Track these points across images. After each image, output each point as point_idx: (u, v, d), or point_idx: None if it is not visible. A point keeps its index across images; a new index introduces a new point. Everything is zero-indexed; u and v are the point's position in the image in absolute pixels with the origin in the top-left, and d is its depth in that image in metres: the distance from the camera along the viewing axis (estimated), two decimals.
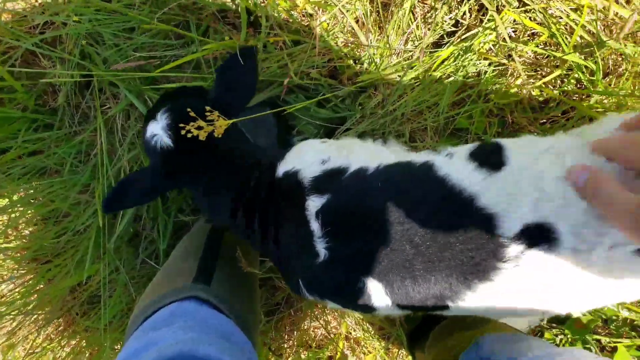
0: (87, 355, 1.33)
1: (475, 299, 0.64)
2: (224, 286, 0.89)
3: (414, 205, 0.66)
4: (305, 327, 1.27)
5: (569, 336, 1.20)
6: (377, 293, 0.69)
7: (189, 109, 0.77)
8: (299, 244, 0.74)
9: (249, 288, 1.01)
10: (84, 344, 1.33)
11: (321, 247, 0.70)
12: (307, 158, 0.80)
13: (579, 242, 0.57)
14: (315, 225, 0.71)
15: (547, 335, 1.23)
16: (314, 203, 0.72)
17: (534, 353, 0.68)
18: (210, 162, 0.87)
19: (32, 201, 1.17)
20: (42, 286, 1.28)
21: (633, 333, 1.20)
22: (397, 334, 1.27)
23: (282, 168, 0.81)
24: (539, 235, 0.58)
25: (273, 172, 0.82)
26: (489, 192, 0.62)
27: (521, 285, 0.62)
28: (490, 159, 0.65)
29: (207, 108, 0.78)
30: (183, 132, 0.76)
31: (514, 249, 0.59)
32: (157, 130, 0.86)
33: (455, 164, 0.67)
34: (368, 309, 0.72)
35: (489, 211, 0.60)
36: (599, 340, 1.21)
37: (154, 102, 0.95)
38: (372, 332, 1.27)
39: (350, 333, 1.28)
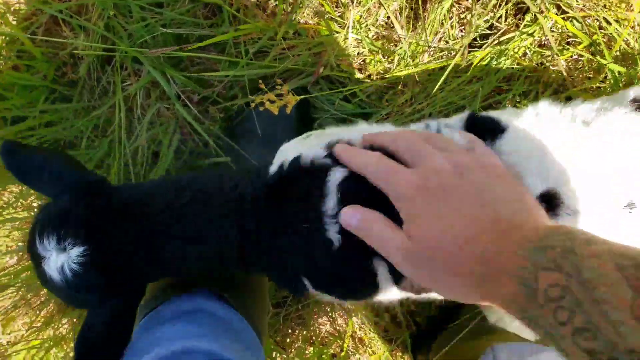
0: None
1: None
2: (233, 278, 0.86)
3: None
4: (312, 322, 1.25)
5: None
6: (383, 274, 0.65)
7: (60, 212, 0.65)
8: (306, 237, 0.66)
9: (257, 280, 0.99)
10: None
11: (334, 232, 0.63)
12: (299, 148, 0.71)
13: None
14: (331, 202, 0.63)
15: None
16: (335, 175, 0.65)
17: None
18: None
19: None
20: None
21: None
22: (402, 337, 1.25)
23: (274, 167, 0.71)
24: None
25: (264, 177, 0.70)
26: None
27: None
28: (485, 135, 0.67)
29: (279, 81, 0.71)
30: (252, 105, 0.70)
31: None
32: (57, 262, 0.64)
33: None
34: (370, 293, 0.69)
35: None
36: None
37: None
38: (378, 333, 1.25)
39: (356, 332, 1.26)
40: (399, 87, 1.11)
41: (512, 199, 0.54)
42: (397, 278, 0.66)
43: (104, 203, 0.67)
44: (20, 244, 1.22)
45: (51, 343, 1.26)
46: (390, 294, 0.70)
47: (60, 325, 1.31)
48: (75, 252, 0.63)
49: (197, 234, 0.68)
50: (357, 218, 0.59)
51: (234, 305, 0.79)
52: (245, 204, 0.68)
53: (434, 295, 0.69)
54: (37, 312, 1.28)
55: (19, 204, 1.19)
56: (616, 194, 0.65)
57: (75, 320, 1.30)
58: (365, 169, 0.60)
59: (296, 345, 1.26)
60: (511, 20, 1.10)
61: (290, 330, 1.26)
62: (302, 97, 0.99)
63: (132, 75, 1.13)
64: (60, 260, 0.64)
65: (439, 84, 1.01)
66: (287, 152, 0.72)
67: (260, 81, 1.00)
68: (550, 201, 0.63)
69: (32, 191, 1.18)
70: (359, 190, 0.64)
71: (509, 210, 0.52)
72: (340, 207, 0.63)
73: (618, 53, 1.06)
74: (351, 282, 0.69)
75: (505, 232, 0.50)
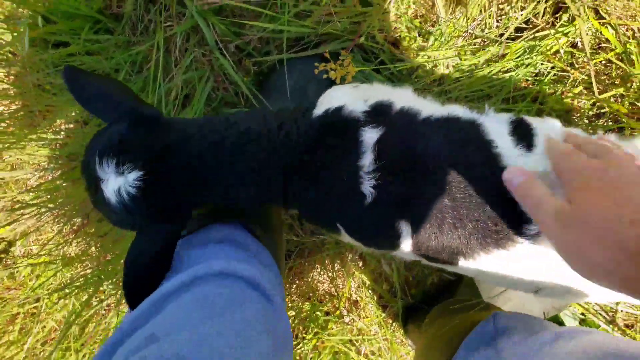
0: (95, 259, 1.37)
1: (485, 261, 0.69)
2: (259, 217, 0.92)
3: (460, 162, 0.68)
4: (311, 279, 1.31)
5: None
6: (406, 235, 0.71)
7: (119, 138, 0.70)
8: (344, 184, 0.72)
9: (278, 222, 1.04)
10: (94, 249, 1.37)
11: (368, 186, 0.69)
12: (345, 99, 0.76)
13: None
14: (367, 159, 0.69)
15: None
16: (370, 134, 0.70)
17: (555, 330, 0.71)
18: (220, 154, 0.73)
19: None
20: (65, 184, 1.31)
21: None
22: (395, 306, 1.31)
23: (319, 111, 0.76)
24: None
25: (309, 119, 0.76)
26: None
27: (531, 261, 0.67)
28: (527, 137, 0.69)
29: (343, 52, 0.75)
30: (317, 71, 0.74)
31: (534, 227, 0.64)
32: (115, 184, 0.69)
33: (499, 131, 0.71)
34: (392, 249, 0.75)
35: None
36: None
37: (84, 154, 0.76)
38: (373, 299, 1.31)
39: (352, 295, 1.32)
40: (431, 66, 1.14)
41: None
42: (417, 244, 0.71)
43: (159, 135, 0.72)
44: (45, 164, 1.27)
45: (61, 263, 1.32)
46: (406, 254, 0.75)
47: (70, 247, 1.38)
48: (133, 176, 0.69)
49: (245, 169, 0.73)
50: (520, 179, 0.62)
51: (261, 240, 0.85)
52: (290, 142, 0.73)
53: (450, 268, 0.74)
54: (50, 232, 1.34)
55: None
56: None
57: (85, 244, 1.36)
58: (551, 154, 0.65)
59: (293, 298, 1.32)
60: (548, 17, 1.13)
61: (289, 283, 1.32)
62: (362, 68, 1.02)
63: (175, 18, 1.16)
64: (118, 183, 0.69)
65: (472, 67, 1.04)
66: (334, 99, 0.77)
67: (293, 46, 1.03)
68: None
69: (64, 116, 1.23)
70: (393, 152, 0.69)
71: None
72: (376, 166, 0.68)
73: None
74: (375, 236, 0.76)
75: None
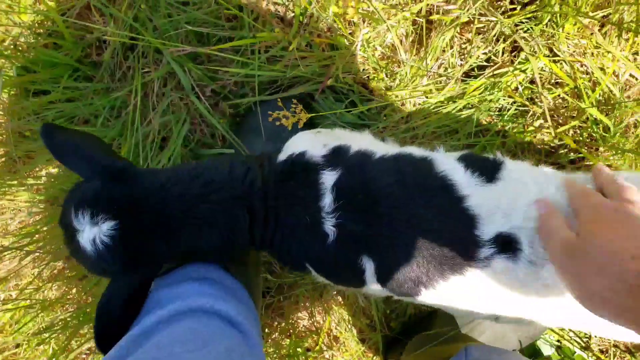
0: (75, 302, 1.37)
1: (445, 289, 0.72)
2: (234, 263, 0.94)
3: (414, 193, 0.73)
4: (291, 316, 1.32)
5: None
6: (370, 271, 0.75)
7: (93, 192, 0.75)
8: (307, 226, 0.76)
9: (254, 260, 1.07)
10: (75, 291, 1.37)
11: (329, 226, 0.73)
12: (307, 144, 0.82)
13: (533, 255, 0.67)
14: (327, 200, 0.74)
15: None
16: (329, 176, 0.75)
17: None
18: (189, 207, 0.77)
19: None
20: (46, 228, 1.32)
21: None
22: (375, 339, 1.32)
23: (283, 156, 0.82)
24: (507, 243, 0.68)
25: (273, 165, 0.82)
26: (478, 197, 0.71)
27: (487, 285, 0.70)
28: (489, 171, 0.75)
29: (294, 101, 0.81)
30: (270, 119, 0.78)
31: (486, 250, 0.68)
32: (90, 234, 0.73)
33: (451, 165, 0.76)
34: (359, 285, 0.79)
35: (473, 212, 0.70)
36: None
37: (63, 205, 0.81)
38: (353, 333, 1.32)
39: (332, 330, 1.33)
40: (398, 105, 1.20)
41: None
42: (381, 278, 0.75)
43: (129, 188, 0.76)
44: (25, 209, 1.29)
45: (40, 307, 1.32)
46: (375, 290, 0.78)
47: (50, 291, 1.38)
48: (106, 226, 0.73)
49: (210, 218, 0.77)
50: (543, 210, 0.67)
51: (237, 277, 0.88)
52: (255, 188, 0.78)
53: (417, 299, 0.77)
54: (30, 276, 1.35)
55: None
56: None
57: (65, 287, 1.37)
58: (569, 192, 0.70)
59: (274, 336, 1.33)
60: (507, 56, 1.20)
61: (270, 321, 1.33)
62: (313, 114, 1.08)
63: (152, 64, 1.21)
64: (93, 233, 0.73)
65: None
66: (297, 144, 0.83)
67: (267, 88, 1.09)
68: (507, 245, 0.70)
69: (42, 162, 1.26)
70: (350, 191, 0.74)
71: None
72: (335, 206, 0.73)
73: (601, 97, 1.15)
74: (341, 272, 0.80)
75: None
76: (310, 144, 0.82)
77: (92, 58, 1.25)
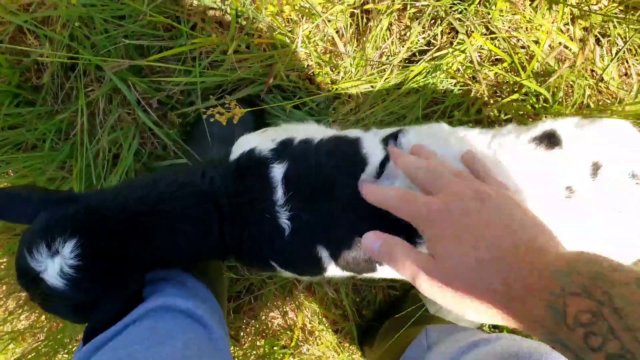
0: (46, 329, 1.35)
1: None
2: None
3: (352, 174, 0.74)
4: (264, 316, 1.33)
5: None
6: (327, 258, 0.77)
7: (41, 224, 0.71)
8: (268, 222, 0.76)
9: (216, 266, 1.08)
10: (44, 318, 1.35)
11: (284, 219, 0.74)
12: (255, 141, 0.83)
13: None
14: (279, 193, 0.75)
15: None
16: (278, 169, 0.76)
17: (474, 338, 0.76)
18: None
19: (5, 174, 1.20)
20: (6, 259, 1.30)
21: None
22: (349, 328, 1.34)
23: (233, 156, 0.82)
24: None
25: (226, 164, 0.82)
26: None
27: None
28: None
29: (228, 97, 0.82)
30: (205, 116, 0.83)
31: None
32: (55, 267, 0.69)
33: (373, 141, 0.79)
34: (321, 272, 0.80)
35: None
36: None
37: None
38: (327, 325, 1.34)
39: (305, 325, 1.34)
40: (345, 97, 1.21)
41: (531, 224, 0.56)
42: (337, 262, 0.77)
43: (80, 203, 0.74)
44: None
45: (8, 338, 1.30)
46: (336, 272, 0.81)
47: (19, 322, 1.36)
48: (68, 247, 0.69)
49: (182, 213, 0.76)
50: (378, 243, 0.62)
51: (199, 278, 0.89)
52: (216, 185, 0.78)
53: (376, 275, 0.80)
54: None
55: None
56: None
57: (34, 315, 1.35)
58: (386, 203, 0.65)
59: (249, 338, 1.33)
60: (446, 38, 1.22)
61: (244, 324, 1.33)
62: (247, 109, 1.08)
63: (95, 82, 1.20)
64: (57, 263, 0.69)
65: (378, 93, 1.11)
66: (246, 143, 0.84)
67: (214, 94, 1.09)
68: None
69: None
70: (297, 182, 0.76)
71: (529, 234, 0.54)
72: (286, 198, 0.74)
73: (539, 69, 1.18)
74: (302, 263, 0.81)
75: (527, 255, 0.51)
76: (259, 140, 0.83)
77: (32, 82, 1.23)
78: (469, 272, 0.53)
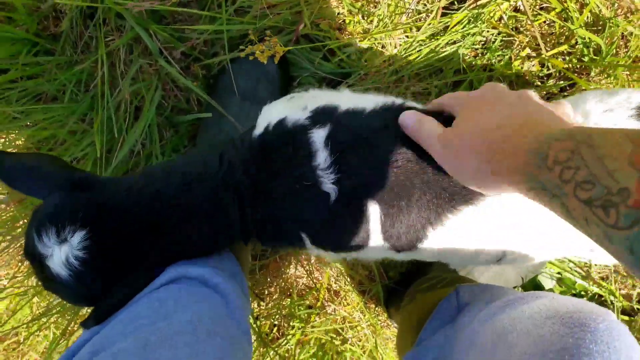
0: None
1: (446, 234, 0.70)
2: None
3: (404, 143, 0.69)
4: (289, 275, 1.30)
5: None
6: (375, 226, 0.70)
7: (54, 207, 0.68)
8: (300, 191, 0.70)
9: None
10: None
11: (329, 183, 0.67)
12: (284, 111, 0.74)
13: None
14: (322, 156, 0.68)
15: None
16: (319, 133, 0.69)
17: (509, 297, 0.72)
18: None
19: (27, 124, 1.16)
20: (24, 214, 1.28)
21: None
22: (375, 290, 1.31)
23: (258, 130, 0.74)
24: None
25: (249, 141, 0.74)
26: None
27: (487, 223, 0.69)
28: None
29: (268, 32, 0.76)
30: (242, 54, 0.79)
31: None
32: (61, 255, 0.66)
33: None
34: (362, 246, 0.74)
35: None
36: None
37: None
38: (352, 286, 1.31)
39: (331, 285, 1.32)
40: (378, 48, 1.14)
41: (546, 111, 0.60)
42: (385, 229, 0.70)
43: (95, 193, 0.70)
44: (5, 195, 1.24)
45: (33, 292, 1.29)
46: (377, 243, 0.73)
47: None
48: (77, 238, 0.66)
49: (196, 212, 0.72)
50: (413, 120, 0.67)
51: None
52: (236, 171, 0.72)
53: (416, 255, 0.75)
54: (20, 263, 1.31)
55: None
56: None
57: None
58: (440, 101, 0.73)
59: (274, 297, 1.31)
60: None
61: (268, 283, 1.31)
62: (290, 47, 1.02)
63: (115, 31, 1.14)
64: (63, 252, 0.66)
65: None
66: (271, 114, 0.76)
67: (250, 31, 1.02)
68: None
69: (15, 143, 1.20)
70: (343, 141, 0.69)
71: (540, 116, 0.58)
72: (332, 159, 0.67)
73: (589, 19, 1.10)
74: (346, 233, 0.73)
75: (530, 125, 0.55)
76: (288, 110, 0.75)
77: (50, 30, 1.17)
78: (475, 134, 0.59)
